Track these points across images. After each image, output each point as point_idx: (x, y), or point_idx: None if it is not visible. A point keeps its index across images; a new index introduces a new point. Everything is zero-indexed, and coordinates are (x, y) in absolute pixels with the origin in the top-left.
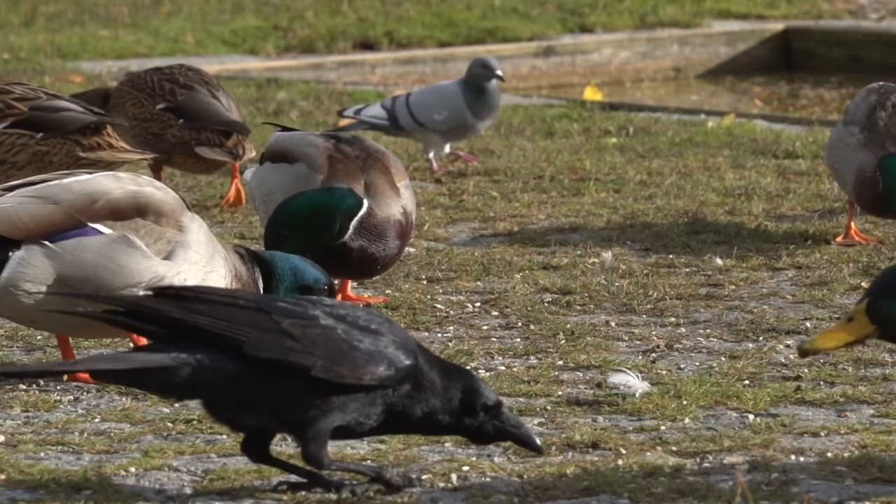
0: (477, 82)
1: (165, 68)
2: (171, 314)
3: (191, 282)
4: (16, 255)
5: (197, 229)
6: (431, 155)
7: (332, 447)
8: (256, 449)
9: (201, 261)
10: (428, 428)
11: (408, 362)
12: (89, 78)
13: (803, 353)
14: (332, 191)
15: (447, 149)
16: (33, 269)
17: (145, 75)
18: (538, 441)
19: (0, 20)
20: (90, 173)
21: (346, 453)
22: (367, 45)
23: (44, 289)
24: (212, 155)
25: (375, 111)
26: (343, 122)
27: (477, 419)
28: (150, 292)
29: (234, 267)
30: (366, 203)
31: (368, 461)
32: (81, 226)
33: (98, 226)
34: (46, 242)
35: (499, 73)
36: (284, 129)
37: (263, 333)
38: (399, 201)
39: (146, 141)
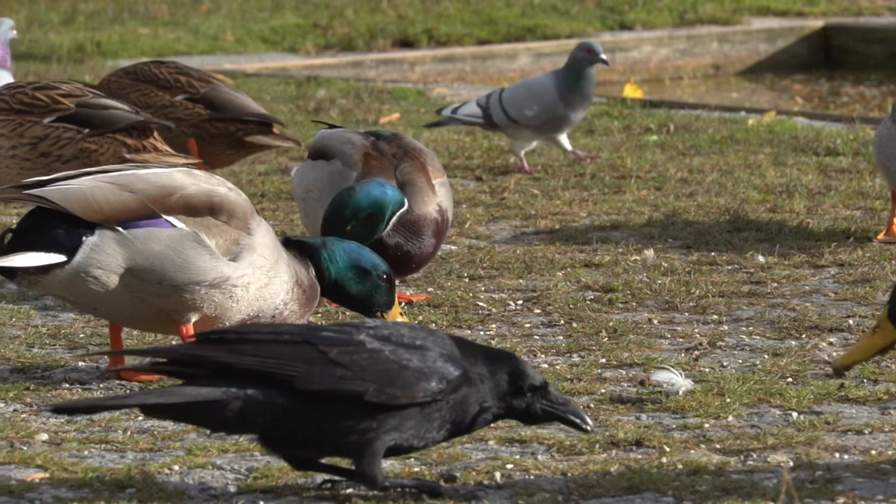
0: (578, 67)
1: (162, 60)
2: (219, 359)
3: (254, 285)
4: (89, 240)
5: (263, 233)
6: (523, 154)
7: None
8: (302, 463)
9: (266, 265)
10: (483, 422)
11: (456, 372)
12: None
13: (837, 370)
14: (385, 185)
15: (534, 144)
16: (104, 256)
17: (144, 66)
18: (587, 418)
19: (40, 18)
20: (167, 167)
21: None
22: (406, 43)
23: (112, 276)
24: (270, 141)
25: (471, 109)
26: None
27: (525, 400)
28: (194, 339)
29: (295, 272)
30: (405, 199)
31: (412, 459)
32: (155, 216)
33: (171, 219)
34: (119, 228)
35: (603, 57)
36: (330, 126)
37: (312, 366)
38: (435, 199)
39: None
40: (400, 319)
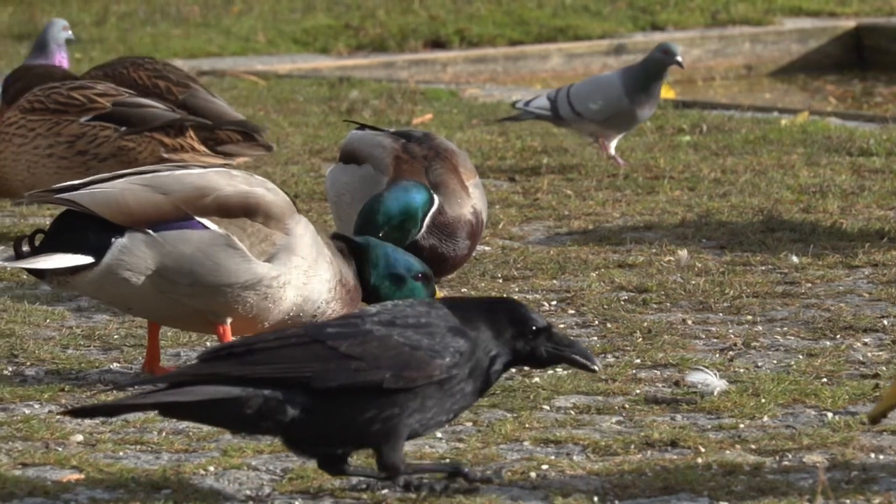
0: (654, 67)
1: (139, 59)
2: (232, 374)
3: (291, 285)
4: (118, 242)
5: (303, 233)
6: (612, 147)
7: (411, 446)
8: (331, 462)
9: (304, 265)
10: (496, 373)
11: (466, 343)
12: None
13: (873, 420)
14: (411, 187)
15: (617, 141)
16: (133, 258)
17: (122, 69)
18: (594, 358)
19: (72, 19)
20: (204, 167)
21: (424, 452)
22: (438, 44)
23: (142, 278)
24: (241, 150)
25: (541, 102)
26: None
27: (529, 343)
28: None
29: (339, 271)
30: (437, 199)
31: (447, 460)
32: (188, 219)
33: (205, 220)
34: (149, 231)
35: (679, 59)
36: (361, 126)
37: (326, 363)
38: (469, 201)
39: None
40: None
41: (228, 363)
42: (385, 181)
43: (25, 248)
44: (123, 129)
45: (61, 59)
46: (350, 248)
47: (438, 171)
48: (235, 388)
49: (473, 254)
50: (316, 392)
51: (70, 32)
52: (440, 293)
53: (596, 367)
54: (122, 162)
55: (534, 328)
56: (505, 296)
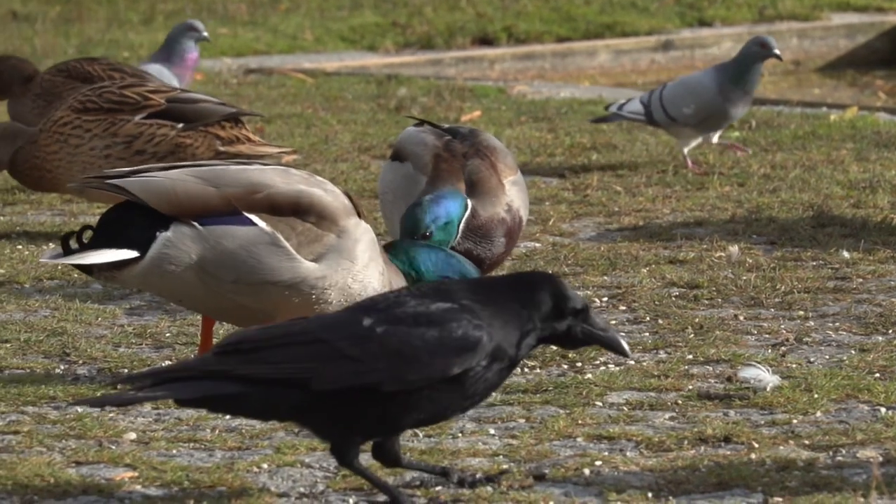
0: (748, 61)
1: (93, 57)
2: (236, 372)
3: (338, 287)
4: (162, 236)
5: (358, 237)
6: (686, 151)
7: (465, 442)
8: (385, 453)
9: (352, 269)
10: (527, 347)
11: (477, 334)
12: (209, 75)
13: None
14: (446, 196)
15: (699, 141)
16: (177, 252)
17: (75, 63)
18: (625, 345)
19: (119, 18)
20: (266, 164)
21: (476, 448)
22: (485, 41)
23: (187, 272)
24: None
25: (634, 107)
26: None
27: (565, 323)
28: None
29: (389, 282)
30: (469, 204)
31: (500, 456)
32: (236, 214)
33: (253, 217)
34: (195, 224)
35: (777, 52)
36: (421, 122)
37: (325, 364)
38: (504, 199)
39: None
40: None
41: (235, 360)
42: (423, 181)
43: (73, 245)
44: (180, 125)
45: (189, 59)
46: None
47: (475, 169)
48: (235, 386)
49: (512, 252)
50: (316, 392)
51: (203, 33)
52: None
53: (629, 355)
54: (180, 159)
55: (573, 307)
56: (537, 270)
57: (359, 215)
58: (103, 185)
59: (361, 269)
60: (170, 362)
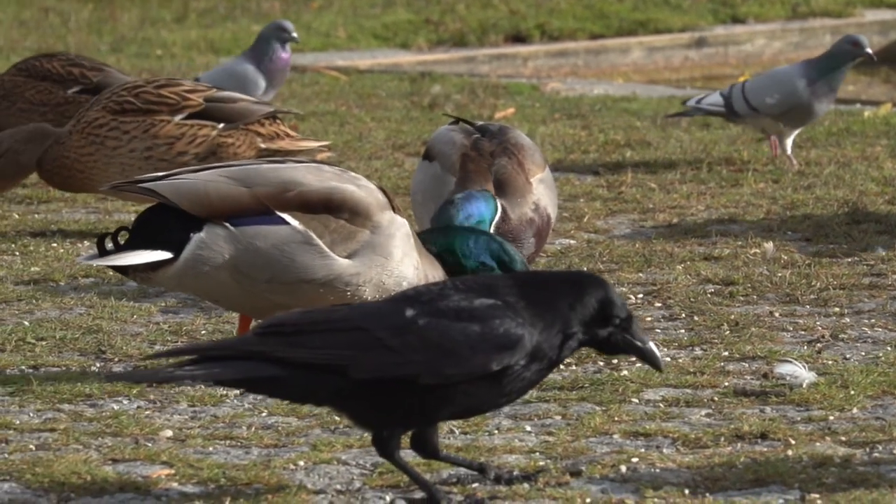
0: (840, 60)
1: (52, 53)
2: (275, 354)
3: (372, 283)
4: (196, 237)
5: (392, 232)
6: (788, 145)
7: (501, 439)
8: (423, 445)
9: (387, 264)
10: (568, 349)
11: (521, 333)
12: None
13: None
14: (480, 199)
15: (792, 138)
16: (210, 253)
17: (35, 62)
18: (661, 359)
19: (152, 16)
20: (298, 162)
21: (513, 445)
22: (518, 38)
23: (221, 273)
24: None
25: (713, 99)
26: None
27: (608, 329)
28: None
29: (424, 274)
30: (500, 207)
31: (537, 453)
32: (268, 213)
33: (286, 216)
34: (227, 225)
35: (869, 51)
36: (456, 121)
37: (365, 353)
38: (531, 198)
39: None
40: None
41: (275, 342)
42: (452, 181)
43: (109, 246)
44: (221, 125)
45: (280, 60)
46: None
47: (502, 168)
48: (274, 369)
49: (542, 250)
50: (353, 380)
51: (293, 34)
52: None
53: (662, 368)
54: (221, 158)
55: (618, 315)
56: (586, 272)
57: (394, 210)
58: (135, 189)
59: (396, 265)
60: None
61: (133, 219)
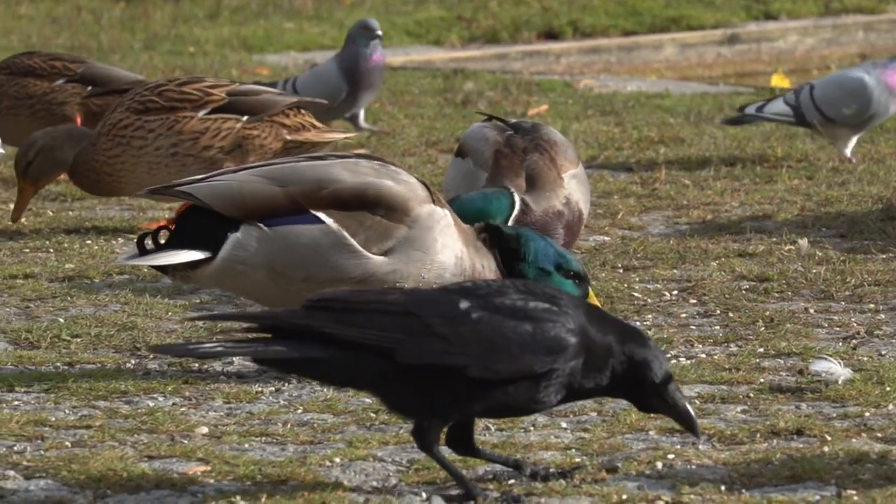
0: None
1: (31, 51)
2: (323, 329)
3: (411, 278)
4: (232, 237)
5: (431, 225)
6: (848, 151)
7: (537, 436)
8: (459, 441)
9: (424, 259)
10: (600, 391)
11: (572, 341)
12: (276, 70)
13: None
14: (489, 195)
15: (854, 141)
16: (246, 253)
17: (16, 59)
18: (697, 426)
19: (185, 14)
20: (340, 157)
21: (549, 442)
22: (551, 35)
23: (258, 272)
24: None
25: (778, 108)
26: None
27: (643, 390)
28: (304, 305)
29: (471, 264)
30: (518, 201)
31: (573, 450)
32: (303, 212)
33: (320, 214)
34: (262, 225)
35: None
36: (489, 118)
37: (414, 338)
38: (562, 192)
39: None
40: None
41: (323, 316)
42: (484, 176)
43: (149, 245)
44: (245, 118)
45: (373, 59)
46: (498, 238)
47: (534, 163)
48: (317, 350)
49: (574, 245)
50: (398, 364)
51: (377, 31)
52: (595, 298)
53: (699, 437)
54: (248, 150)
55: (652, 381)
56: (641, 330)
57: (434, 203)
58: (172, 192)
59: (434, 257)
60: (240, 357)
61: (167, 216)
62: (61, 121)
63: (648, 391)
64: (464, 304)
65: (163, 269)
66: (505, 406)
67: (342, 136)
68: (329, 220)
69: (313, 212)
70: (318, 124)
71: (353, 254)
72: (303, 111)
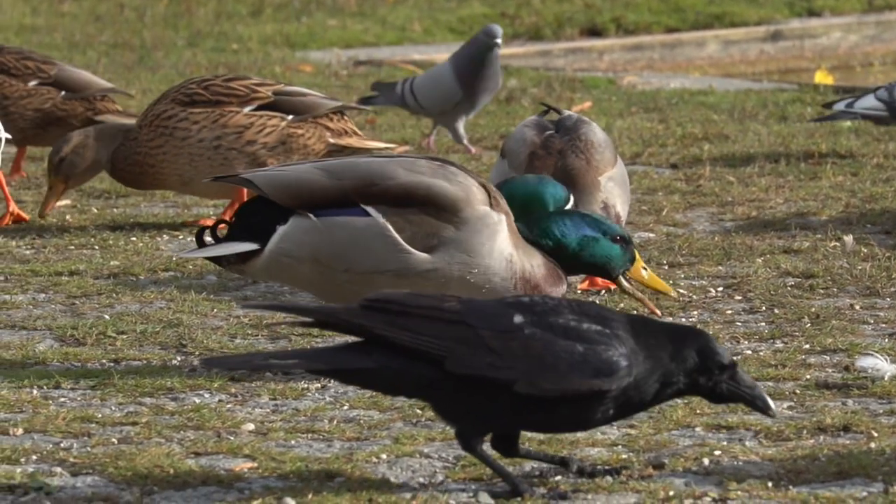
0: None
1: (3, 47)
2: (376, 330)
3: (453, 279)
4: (280, 229)
5: (480, 228)
6: None
7: (583, 433)
8: (504, 444)
9: (470, 262)
10: (666, 396)
11: (622, 363)
12: (318, 67)
13: None
14: (545, 179)
15: None
16: (291, 244)
17: (4, 59)
18: (771, 403)
19: (228, 11)
20: (401, 155)
21: (595, 438)
22: (594, 32)
23: (303, 263)
24: (120, 119)
25: (869, 103)
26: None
27: (712, 379)
28: (362, 303)
29: (521, 267)
30: (572, 198)
31: (619, 447)
32: (353, 206)
33: (370, 208)
34: (311, 215)
35: None
36: (547, 109)
37: (465, 348)
38: (599, 195)
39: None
40: (644, 273)
41: (380, 318)
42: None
43: (209, 240)
44: (290, 117)
45: (485, 64)
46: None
47: (569, 165)
48: (369, 360)
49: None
50: (447, 373)
51: (496, 39)
52: (640, 260)
53: (774, 414)
54: (292, 149)
55: (720, 363)
56: (697, 327)
57: (492, 205)
58: (235, 180)
59: (481, 260)
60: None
61: (211, 213)
62: (35, 124)
63: (719, 378)
64: (518, 319)
65: (219, 262)
66: (553, 424)
67: (382, 145)
68: (375, 214)
69: (363, 206)
70: (359, 132)
71: (394, 247)
72: (346, 117)
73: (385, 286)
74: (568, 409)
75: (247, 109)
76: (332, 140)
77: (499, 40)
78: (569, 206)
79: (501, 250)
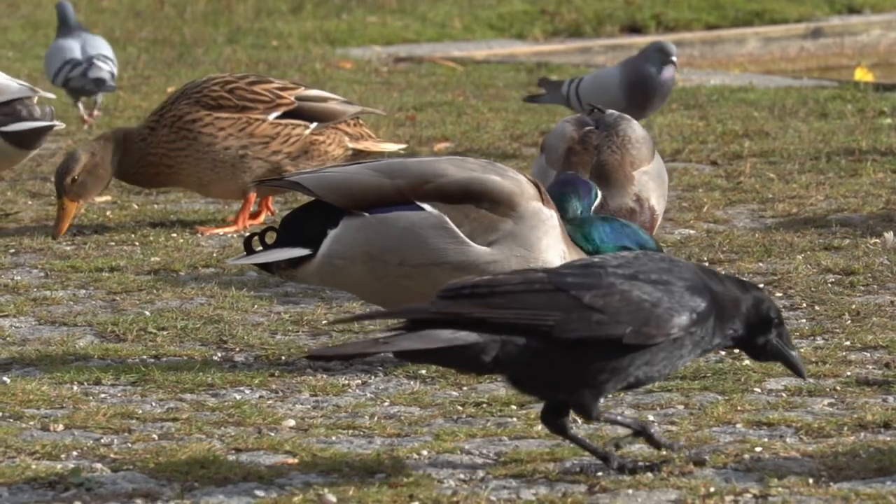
0: None
1: None
2: (473, 315)
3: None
4: (332, 232)
5: (536, 223)
6: None
7: (625, 428)
8: (553, 418)
9: (528, 256)
10: (721, 346)
11: (705, 304)
12: (359, 64)
13: None
14: (570, 187)
15: None
16: (344, 246)
17: None
18: (803, 366)
19: (268, 7)
20: (457, 157)
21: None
22: (634, 29)
23: (357, 263)
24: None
25: None
26: None
27: (764, 334)
28: (444, 294)
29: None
30: (600, 193)
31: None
32: (408, 203)
33: (424, 205)
34: (364, 213)
35: None
36: (592, 110)
37: (568, 313)
38: (632, 189)
39: None
40: None
41: (470, 303)
42: (552, 174)
43: (257, 247)
44: (314, 124)
45: (659, 78)
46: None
47: (604, 161)
48: (473, 335)
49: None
50: (555, 341)
51: (672, 57)
52: None
53: (805, 377)
54: (313, 157)
55: (777, 320)
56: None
57: (542, 202)
58: (281, 183)
59: (538, 255)
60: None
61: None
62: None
63: (767, 334)
64: (608, 278)
65: (268, 269)
66: (649, 375)
67: (396, 146)
68: (432, 209)
69: (418, 203)
70: (373, 135)
71: (453, 240)
72: (360, 121)
73: (441, 279)
74: (660, 355)
75: (272, 117)
76: (350, 145)
77: (674, 58)
78: (597, 202)
79: (556, 247)
